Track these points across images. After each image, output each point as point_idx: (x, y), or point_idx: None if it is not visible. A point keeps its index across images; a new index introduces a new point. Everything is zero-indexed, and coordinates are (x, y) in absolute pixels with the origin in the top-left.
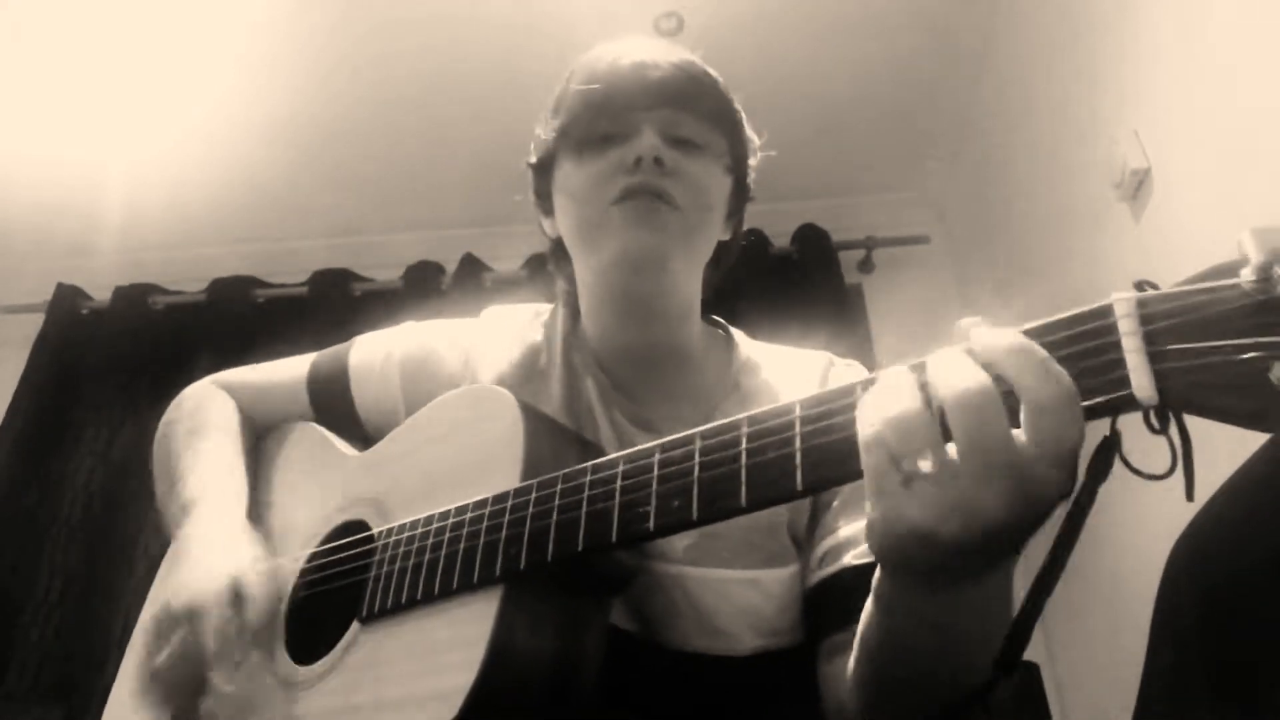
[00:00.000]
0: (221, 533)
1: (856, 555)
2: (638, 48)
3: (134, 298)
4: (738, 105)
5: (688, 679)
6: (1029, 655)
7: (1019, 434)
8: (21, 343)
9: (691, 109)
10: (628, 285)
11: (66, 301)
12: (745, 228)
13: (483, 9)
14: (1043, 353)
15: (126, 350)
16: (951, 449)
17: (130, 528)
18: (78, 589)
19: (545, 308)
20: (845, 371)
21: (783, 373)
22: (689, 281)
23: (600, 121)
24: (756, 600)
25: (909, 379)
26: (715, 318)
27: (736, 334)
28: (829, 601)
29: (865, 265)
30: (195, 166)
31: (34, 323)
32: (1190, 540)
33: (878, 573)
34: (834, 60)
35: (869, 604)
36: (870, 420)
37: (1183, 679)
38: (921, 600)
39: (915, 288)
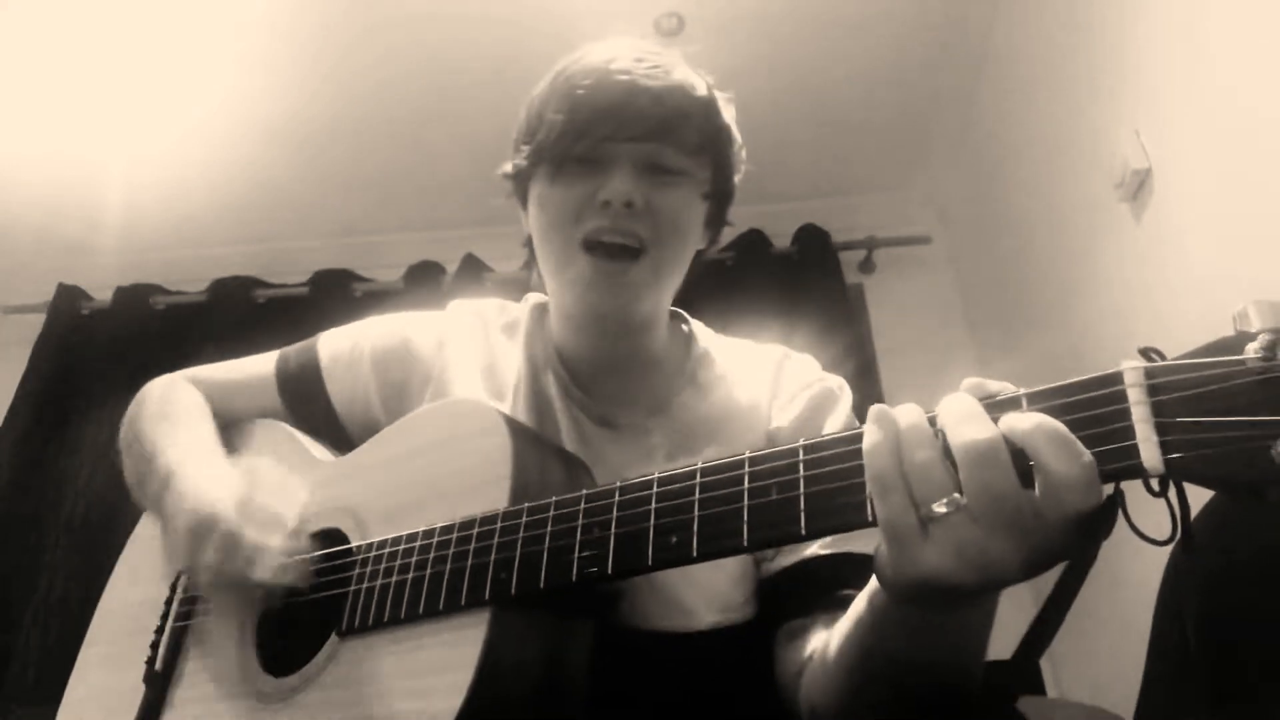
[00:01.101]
0: (218, 470)
1: (820, 545)
2: (626, 64)
3: (134, 298)
4: (728, 119)
5: (648, 656)
6: None
7: (1033, 494)
8: (22, 343)
9: (674, 141)
10: (590, 310)
11: (67, 301)
12: (746, 228)
13: (483, 8)
14: (1065, 432)
15: (127, 350)
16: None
17: (130, 528)
18: (78, 589)
19: (511, 304)
20: (799, 366)
21: (737, 366)
22: (656, 303)
23: (578, 146)
24: (709, 575)
25: (926, 425)
26: (677, 310)
27: (695, 326)
28: (791, 589)
29: (866, 265)
30: (195, 166)
31: (35, 323)
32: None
33: (876, 590)
34: (834, 60)
35: (859, 610)
36: (888, 466)
37: (1184, 680)
38: (919, 619)
39: (916, 288)
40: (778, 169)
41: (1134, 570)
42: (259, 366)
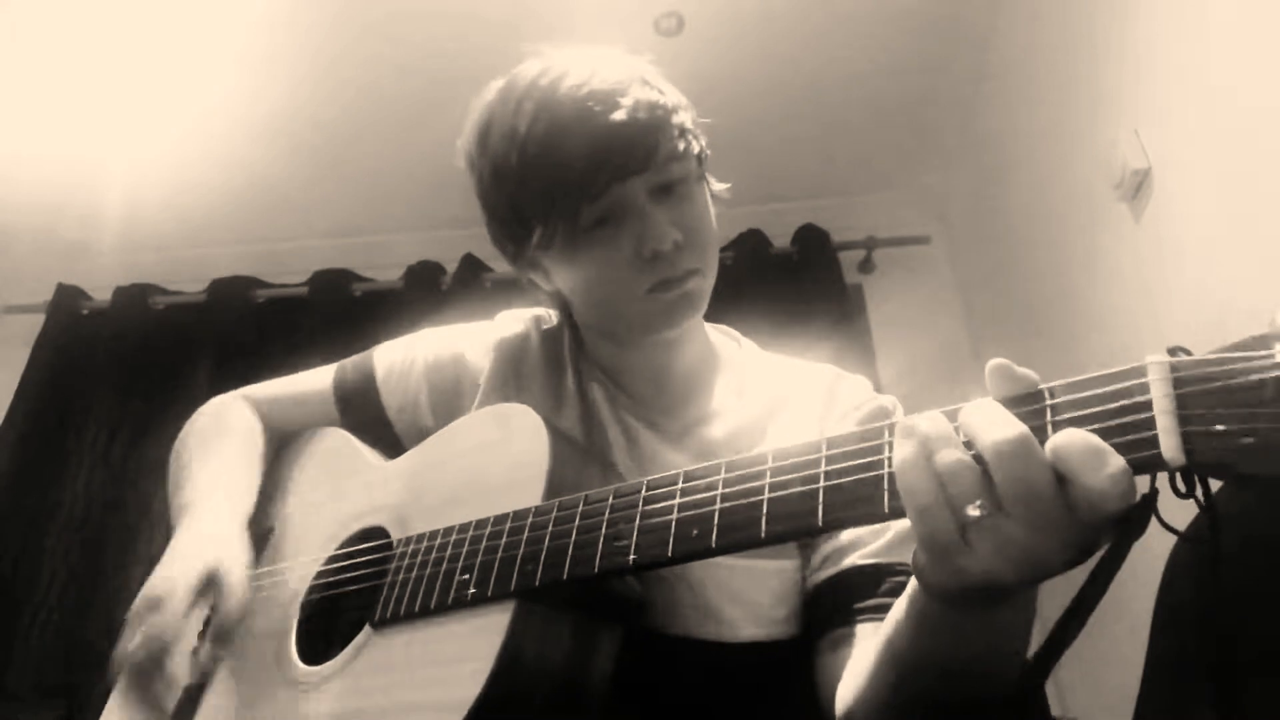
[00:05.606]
0: (211, 529)
1: (860, 556)
2: (583, 91)
3: (134, 298)
4: (679, 98)
5: (678, 661)
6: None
7: (1067, 490)
8: (22, 343)
9: (669, 152)
10: (655, 334)
11: (67, 301)
12: (745, 228)
13: (482, 7)
14: (1098, 442)
15: (127, 350)
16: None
17: (130, 528)
18: (78, 589)
19: (552, 314)
20: (853, 385)
21: (789, 382)
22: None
23: (590, 209)
24: (751, 589)
25: (952, 430)
26: (726, 327)
27: (746, 343)
28: (832, 600)
29: (865, 265)
30: (195, 166)
31: (34, 323)
32: (1192, 534)
33: (915, 592)
34: (834, 60)
35: (898, 614)
36: (920, 478)
37: (1184, 673)
38: (960, 617)
39: (915, 288)
40: (778, 169)
41: (1133, 568)
42: (317, 381)
